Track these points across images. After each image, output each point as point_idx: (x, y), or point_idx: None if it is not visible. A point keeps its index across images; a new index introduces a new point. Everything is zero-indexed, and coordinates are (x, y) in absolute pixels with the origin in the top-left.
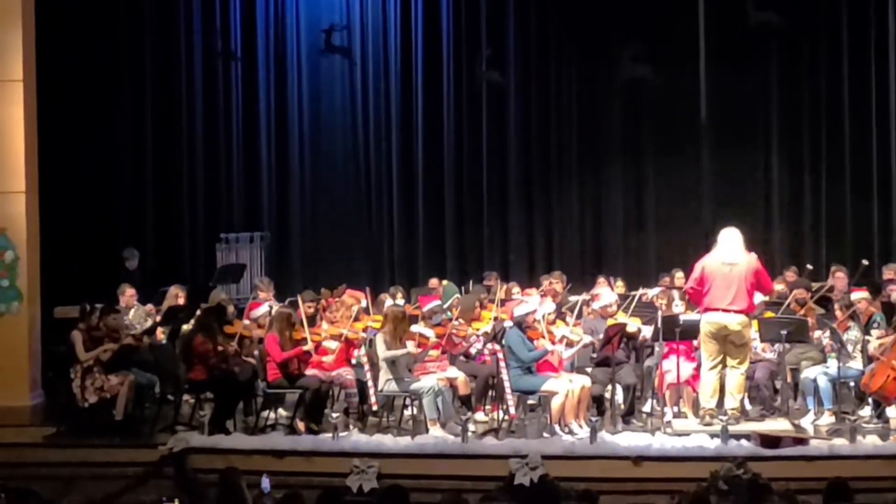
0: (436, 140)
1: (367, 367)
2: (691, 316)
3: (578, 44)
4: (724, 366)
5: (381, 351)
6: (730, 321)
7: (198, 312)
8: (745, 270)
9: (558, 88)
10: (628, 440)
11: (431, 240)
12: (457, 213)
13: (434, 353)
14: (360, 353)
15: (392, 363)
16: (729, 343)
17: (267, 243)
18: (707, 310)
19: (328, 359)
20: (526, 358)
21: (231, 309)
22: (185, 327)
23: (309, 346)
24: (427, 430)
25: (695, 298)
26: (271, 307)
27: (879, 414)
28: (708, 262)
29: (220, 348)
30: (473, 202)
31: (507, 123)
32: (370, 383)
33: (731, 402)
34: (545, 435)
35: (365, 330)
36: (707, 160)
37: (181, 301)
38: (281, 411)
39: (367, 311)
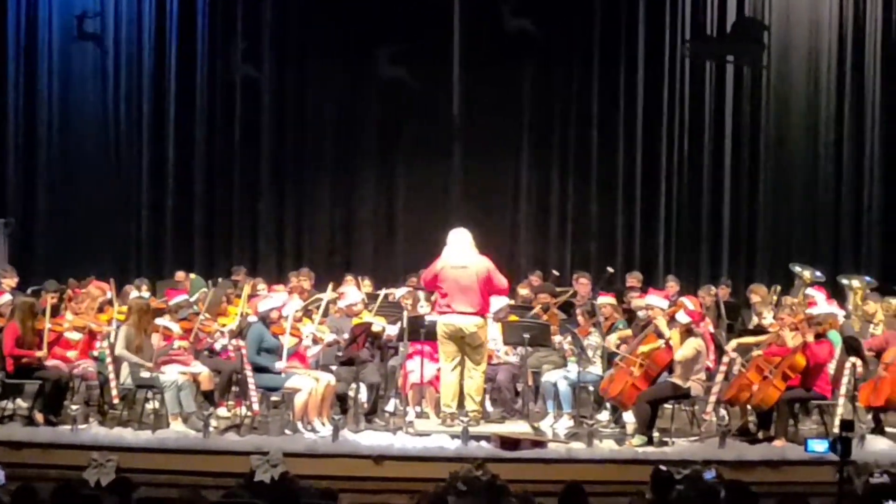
0: (188, 132)
1: (109, 359)
2: (436, 317)
3: (335, 42)
4: (464, 367)
5: (118, 346)
6: (464, 323)
7: None
8: (477, 272)
9: (314, 85)
10: (370, 439)
11: (180, 233)
12: (207, 207)
13: (180, 343)
14: (102, 346)
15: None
16: (466, 345)
17: (11, 230)
18: (442, 312)
19: (72, 353)
20: (251, 359)
21: None
22: None
23: (42, 353)
24: (168, 425)
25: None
26: (14, 296)
27: (616, 419)
28: (443, 262)
29: None
30: (224, 196)
31: (260, 118)
32: (112, 376)
33: (472, 404)
34: (287, 432)
35: (109, 322)
36: (458, 162)
37: None
38: (19, 402)
39: (111, 302)
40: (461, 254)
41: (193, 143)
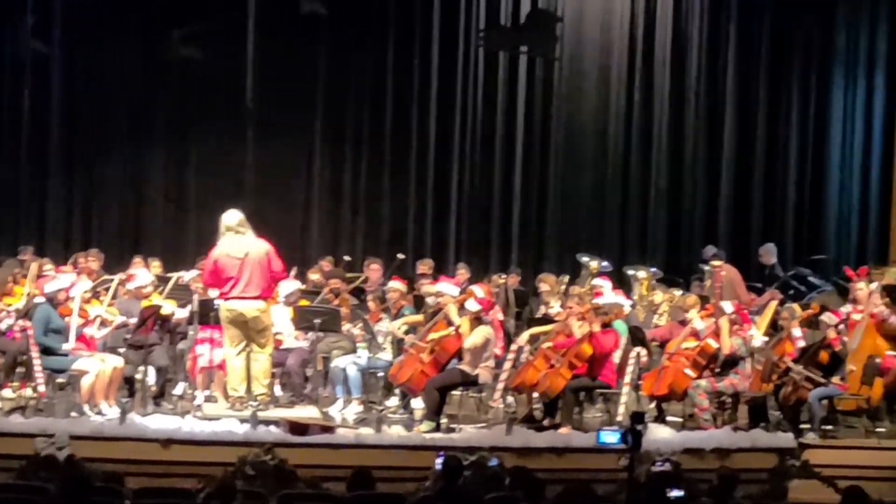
0: None
1: None
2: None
3: (128, 20)
4: (251, 351)
5: None
6: (246, 308)
7: None
8: (257, 256)
9: (105, 63)
10: (158, 423)
11: None
12: None
13: None
14: None
15: None
16: (249, 329)
17: None
18: (224, 297)
19: None
20: (38, 340)
21: None
22: None
23: None
24: None
25: (215, 287)
26: None
27: (405, 405)
28: (220, 251)
29: None
30: (10, 173)
31: (50, 94)
32: None
33: (259, 388)
34: (74, 414)
35: None
36: (251, 145)
37: None
38: None
39: None
40: (240, 239)
41: None
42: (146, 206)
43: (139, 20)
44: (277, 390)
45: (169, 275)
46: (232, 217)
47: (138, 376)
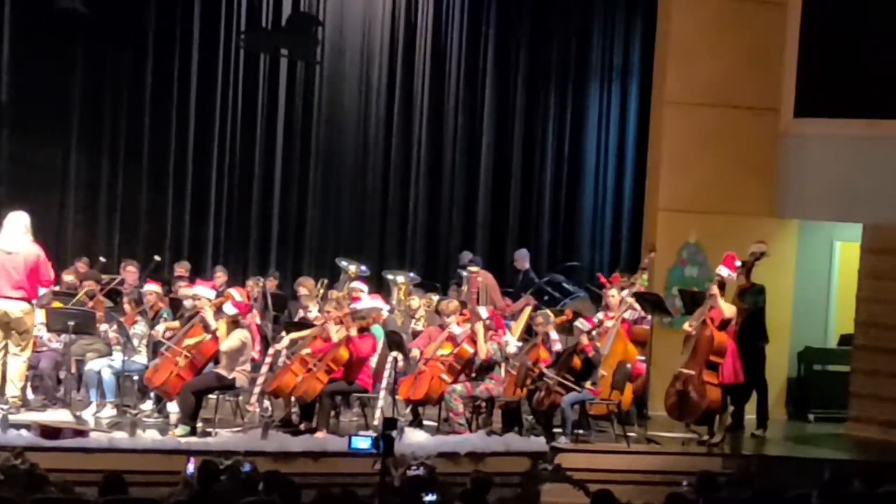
0: None
1: None
2: None
3: None
4: (7, 352)
5: None
6: (11, 308)
7: None
8: (27, 258)
9: None
10: None
11: None
12: None
13: None
14: None
15: None
16: (12, 330)
17: None
18: None
19: None
20: None
21: None
22: None
23: None
24: None
25: None
26: None
27: (160, 409)
28: None
29: None
30: None
31: None
32: None
33: (13, 390)
34: None
35: None
36: (4, 143)
37: None
38: None
39: None
40: (12, 239)
41: None
42: None
43: None
44: (29, 393)
45: None
46: (17, 218)
47: None
